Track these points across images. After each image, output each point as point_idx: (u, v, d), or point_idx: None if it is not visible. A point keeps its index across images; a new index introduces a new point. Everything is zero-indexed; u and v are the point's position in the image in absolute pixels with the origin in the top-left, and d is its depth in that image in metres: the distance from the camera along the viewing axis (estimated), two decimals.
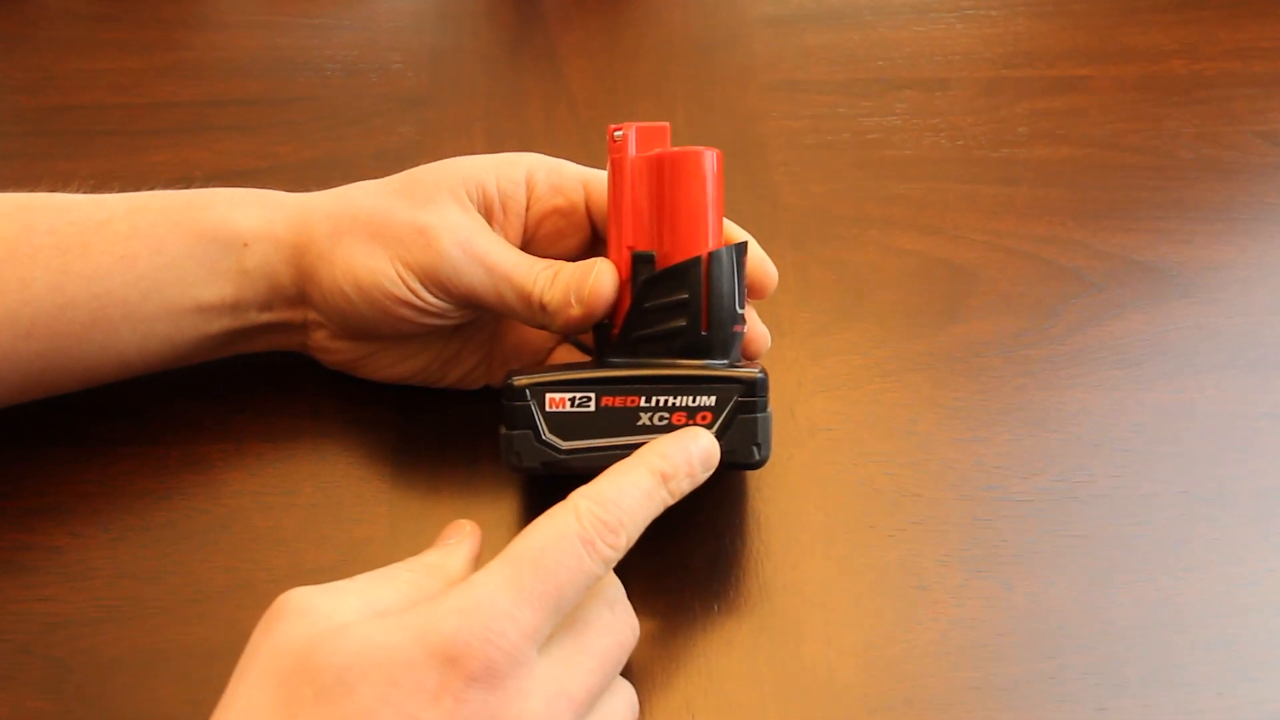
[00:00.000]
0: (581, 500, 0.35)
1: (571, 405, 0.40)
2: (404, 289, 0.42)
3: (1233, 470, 0.47)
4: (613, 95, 0.61)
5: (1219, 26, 0.65)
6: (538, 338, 0.47)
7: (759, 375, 0.40)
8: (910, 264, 0.54)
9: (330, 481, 0.46)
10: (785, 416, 0.48)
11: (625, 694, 0.37)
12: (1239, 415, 0.49)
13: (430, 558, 0.37)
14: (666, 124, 0.42)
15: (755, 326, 0.44)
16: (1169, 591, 0.43)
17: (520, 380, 0.40)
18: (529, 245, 0.44)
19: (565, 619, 0.34)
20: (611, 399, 0.40)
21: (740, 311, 0.41)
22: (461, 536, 0.39)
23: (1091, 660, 0.42)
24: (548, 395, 0.40)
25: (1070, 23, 0.66)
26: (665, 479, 0.37)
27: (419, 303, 0.42)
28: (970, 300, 0.52)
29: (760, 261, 0.43)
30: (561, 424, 0.40)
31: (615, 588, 0.37)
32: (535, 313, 0.41)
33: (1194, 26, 0.65)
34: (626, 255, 0.41)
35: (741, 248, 0.41)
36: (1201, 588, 0.43)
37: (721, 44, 0.64)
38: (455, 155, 0.44)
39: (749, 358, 0.44)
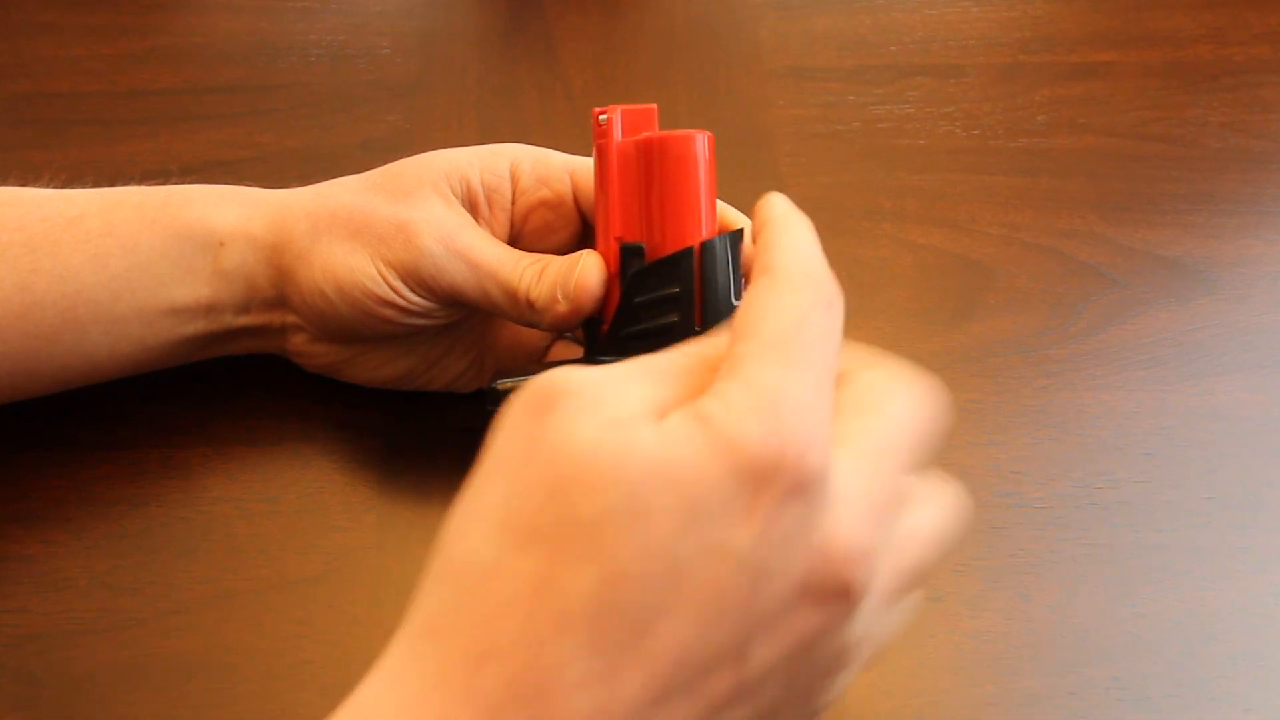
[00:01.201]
0: (793, 267, 0.30)
1: None
2: (385, 288, 0.42)
3: (1262, 475, 0.47)
4: (611, 83, 0.61)
5: (1247, 10, 0.65)
6: (532, 336, 0.47)
7: None
8: (923, 259, 0.54)
9: (315, 488, 0.46)
10: None
11: (940, 498, 0.32)
12: (1268, 418, 0.49)
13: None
14: (654, 105, 0.41)
15: None
16: (1195, 602, 0.43)
17: (504, 384, 0.40)
18: (517, 240, 0.44)
19: (854, 403, 0.30)
20: None
21: (736, 303, 0.41)
22: None
23: (1113, 674, 0.42)
24: None
25: (1091, 6, 0.66)
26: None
27: (401, 302, 0.42)
28: (986, 297, 0.52)
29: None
30: None
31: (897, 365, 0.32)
32: (523, 310, 0.41)
33: (1221, 10, 0.65)
34: (614, 247, 0.40)
35: (737, 235, 0.41)
36: (1229, 598, 0.43)
37: (725, 29, 0.64)
38: (446, 145, 0.44)
39: None
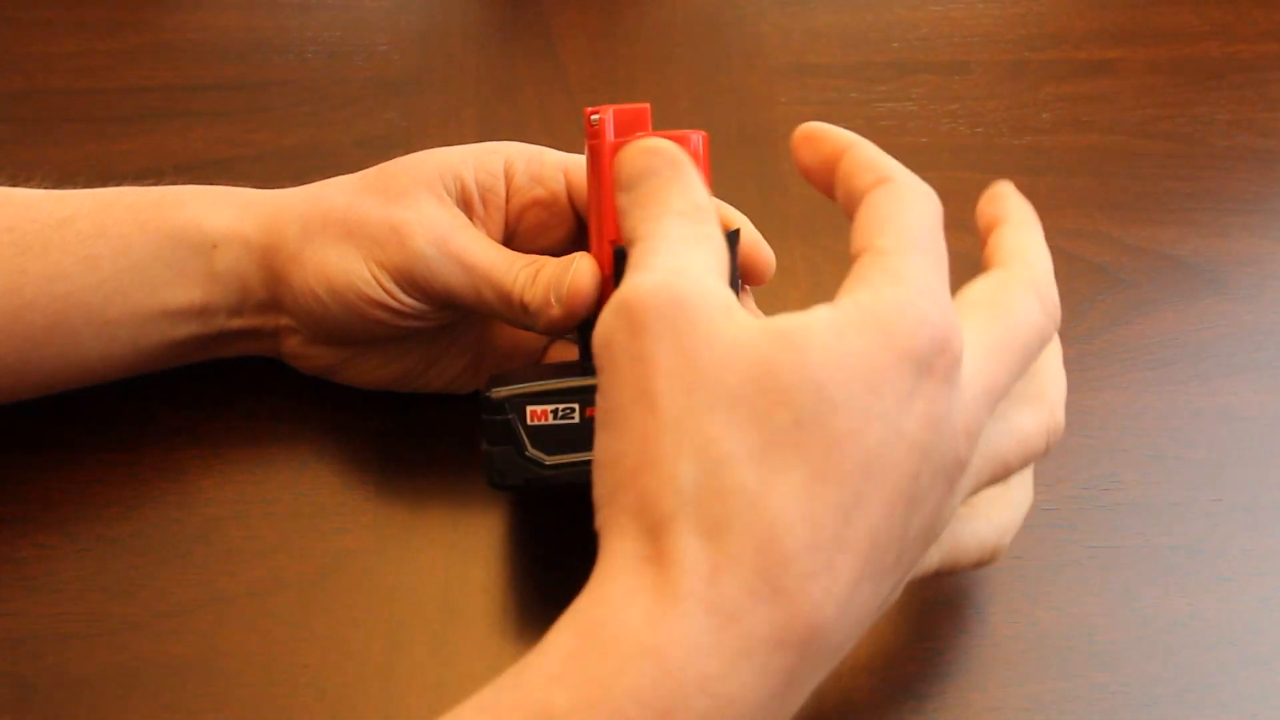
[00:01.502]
0: (905, 177, 0.34)
1: (554, 418, 0.39)
2: (378, 290, 0.42)
3: (1270, 476, 0.47)
4: (611, 79, 0.61)
5: (1254, 6, 0.65)
6: (529, 338, 0.46)
7: None
8: None
9: (311, 490, 0.46)
10: None
11: (1036, 407, 0.35)
12: (1277, 419, 0.49)
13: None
14: (646, 105, 0.41)
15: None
16: (1201, 605, 0.43)
17: (499, 392, 0.39)
18: (512, 239, 0.44)
19: (986, 296, 0.34)
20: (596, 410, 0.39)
21: None
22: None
23: (1119, 678, 0.42)
24: (528, 408, 0.39)
25: (1098, 2, 0.66)
26: None
27: (394, 304, 0.42)
28: None
29: (754, 245, 0.42)
30: (545, 438, 0.39)
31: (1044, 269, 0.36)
32: (517, 313, 0.41)
33: (1228, 6, 0.65)
34: (608, 249, 0.40)
35: (734, 236, 0.40)
36: (1236, 602, 0.43)
37: (727, 24, 0.64)
38: (444, 143, 0.44)
39: None
